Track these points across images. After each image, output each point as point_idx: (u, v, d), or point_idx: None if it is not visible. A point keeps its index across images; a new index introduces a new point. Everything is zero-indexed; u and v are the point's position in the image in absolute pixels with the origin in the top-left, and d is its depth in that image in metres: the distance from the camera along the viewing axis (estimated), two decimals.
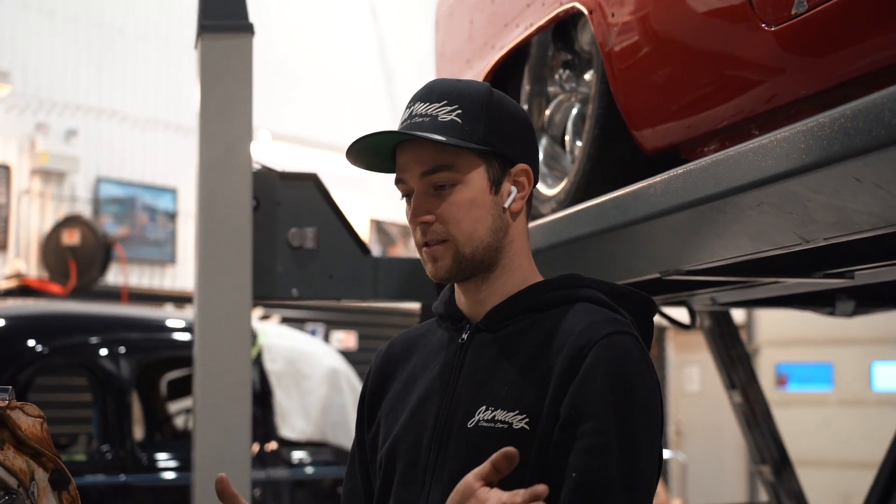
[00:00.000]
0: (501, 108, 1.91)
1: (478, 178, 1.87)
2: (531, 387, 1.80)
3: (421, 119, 1.86)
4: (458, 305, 1.98)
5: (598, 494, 1.71)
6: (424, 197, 1.87)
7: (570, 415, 1.75)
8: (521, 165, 1.92)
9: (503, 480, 1.69)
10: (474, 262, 1.88)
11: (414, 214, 1.87)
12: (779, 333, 11.80)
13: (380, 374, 2.07)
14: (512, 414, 1.80)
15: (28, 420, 1.97)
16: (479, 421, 1.82)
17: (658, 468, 1.81)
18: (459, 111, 1.86)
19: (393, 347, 2.09)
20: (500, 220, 1.89)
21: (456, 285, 1.98)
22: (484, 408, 1.83)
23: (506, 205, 1.90)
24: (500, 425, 1.80)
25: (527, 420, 1.78)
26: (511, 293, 1.92)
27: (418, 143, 1.86)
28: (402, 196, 1.93)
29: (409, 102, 1.92)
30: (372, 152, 1.93)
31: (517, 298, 1.92)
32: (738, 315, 10.70)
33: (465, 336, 1.93)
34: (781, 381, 11.88)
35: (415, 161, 1.87)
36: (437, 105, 1.87)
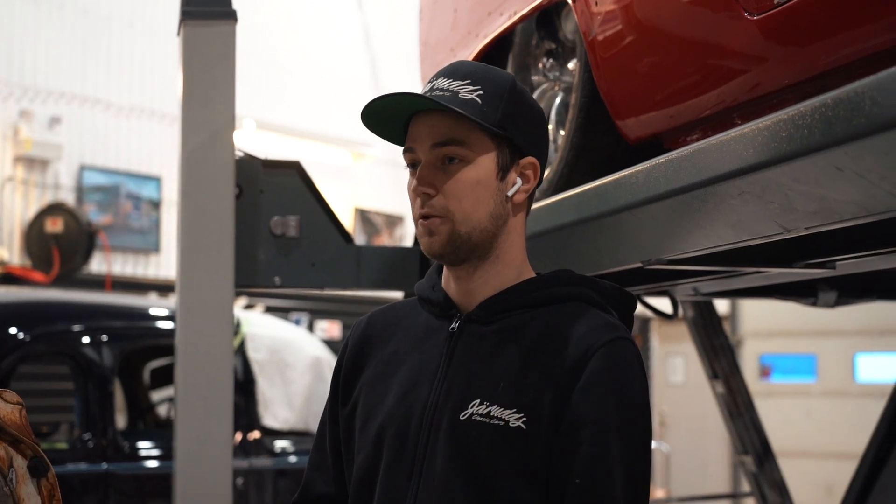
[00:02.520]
0: (521, 99, 1.91)
1: (487, 160, 1.86)
2: (529, 386, 1.80)
3: (441, 93, 1.85)
4: (446, 291, 1.96)
5: (602, 500, 1.73)
6: (431, 169, 1.86)
7: (573, 420, 1.76)
8: (530, 158, 1.92)
9: (498, 479, 1.72)
10: (469, 244, 1.86)
11: (418, 184, 1.86)
12: (762, 325, 11.82)
13: (357, 349, 2.04)
14: (509, 411, 1.79)
15: (7, 407, 1.96)
16: (472, 414, 1.81)
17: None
18: (481, 92, 1.85)
19: (372, 324, 2.06)
20: (501, 207, 1.89)
21: (445, 270, 1.97)
22: (478, 401, 1.82)
23: (509, 193, 1.89)
24: (496, 421, 1.79)
25: (524, 419, 1.78)
26: (505, 286, 1.92)
27: (434, 115, 1.85)
28: (408, 165, 1.91)
29: (432, 78, 1.91)
30: (386, 117, 1.91)
31: (512, 292, 1.91)
32: (721, 306, 10.72)
33: (455, 325, 1.92)
34: (765, 372, 11.90)
35: (428, 131, 1.86)
36: (461, 83, 1.86)
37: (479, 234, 1.86)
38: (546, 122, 1.99)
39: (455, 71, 1.89)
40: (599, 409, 1.76)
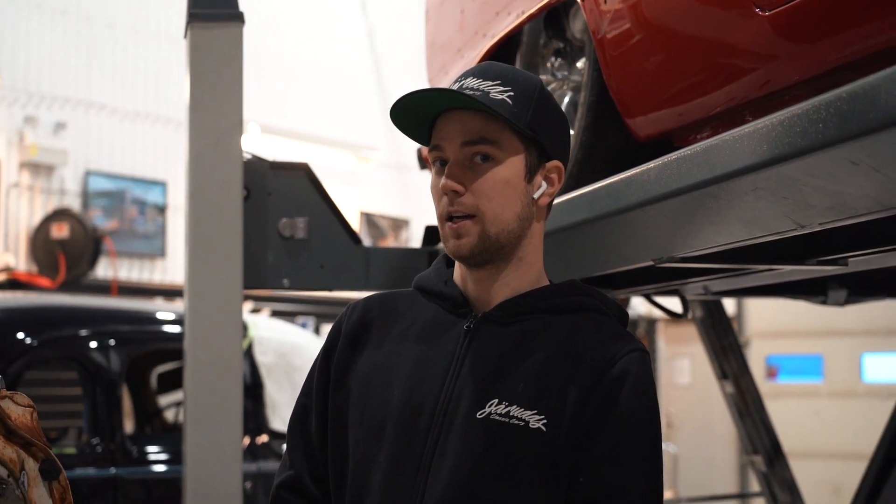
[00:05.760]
0: (549, 103, 1.92)
1: (516, 161, 1.86)
2: (551, 389, 1.81)
3: (472, 91, 1.84)
4: (460, 288, 1.95)
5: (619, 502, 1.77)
6: (460, 167, 1.85)
7: (594, 426, 1.78)
8: (556, 162, 1.92)
9: (515, 479, 1.74)
10: (497, 245, 1.86)
11: (446, 182, 1.84)
12: (769, 325, 11.81)
13: (354, 333, 2.01)
14: (530, 413, 1.79)
15: (18, 410, 1.96)
16: (490, 413, 1.81)
17: None
18: (511, 93, 1.85)
19: (370, 310, 2.04)
20: (527, 209, 1.89)
21: (458, 266, 1.96)
22: (496, 401, 1.82)
23: (535, 195, 1.89)
24: (516, 422, 1.79)
25: (544, 421, 1.79)
26: (523, 289, 1.92)
27: (465, 113, 1.84)
28: (433, 162, 1.90)
29: (460, 77, 1.90)
30: (413, 114, 1.90)
31: (533, 296, 1.91)
32: (728, 307, 10.71)
33: (470, 323, 1.91)
34: (772, 373, 11.89)
35: (459, 129, 1.85)
36: (491, 83, 1.85)
37: (506, 235, 1.86)
38: (569, 127, 1.98)
39: (484, 71, 1.89)
40: (619, 415, 1.78)
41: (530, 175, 1.88)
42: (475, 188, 1.83)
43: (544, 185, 1.90)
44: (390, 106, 1.88)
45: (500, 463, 1.78)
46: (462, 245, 1.85)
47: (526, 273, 1.92)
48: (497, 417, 1.80)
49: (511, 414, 1.80)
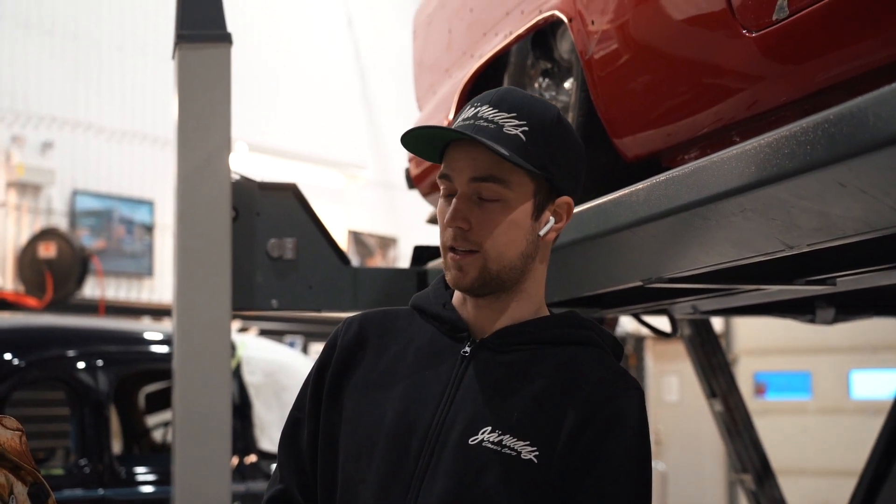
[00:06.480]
0: (565, 138, 1.90)
1: (524, 199, 1.85)
2: (544, 421, 1.81)
3: (486, 124, 1.83)
4: (458, 312, 1.95)
5: None
6: (467, 202, 1.84)
7: (586, 460, 1.78)
8: (566, 199, 1.91)
9: None
10: (498, 280, 1.86)
11: (452, 217, 1.84)
12: (757, 342, 11.84)
13: (350, 349, 2.01)
14: (522, 443, 1.79)
15: (7, 434, 1.95)
16: (483, 440, 1.80)
17: None
18: (526, 128, 1.83)
19: (366, 327, 2.03)
20: (531, 246, 1.88)
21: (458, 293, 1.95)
22: (489, 429, 1.81)
23: (541, 232, 1.89)
24: (507, 451, 1.79)
25: (536, 453, 1.78)
26: (522, 318, 1.92)
27: (477, 147, 1.82)
28: (441, 190, 1.89)
29: (477, 102, 1.89)
30: (424, 139, 1.89)
31: (531, 326, 1.91)
32: (716, 324, 10.72)
33: (468, 348, 1.91)
34: (760, 389, 11.91)
35: (468, 164, 1.83)
36: (506, 115, 1.84)
37: (508, 271, 1.86)
38: (585, 158, 1.97)
39: (501, 101, 1.87)
40: (612, 453, 1.78)
41: (538, 213, 1.87)
42: (480, 226, 1.83)
43: (552, 220, 1.89)
44: (401, 134, 1.87)
45: (490, 490, 1.77)
46: (461, 277, 1.85)
47: (526, 303, 1.92)
48: (489, 445, 1.80)
49: (504, 443, 1.79)
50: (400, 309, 2.07)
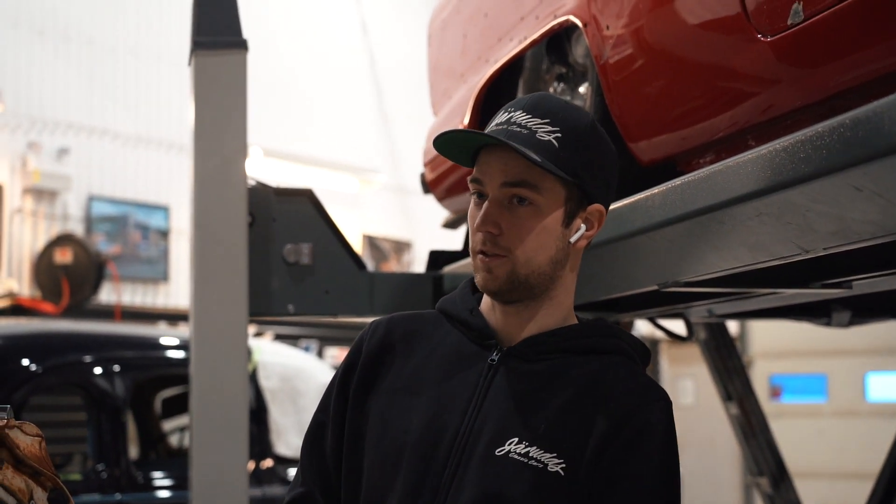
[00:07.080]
0: (598, 145, 1.89)
1: (555, 205, 1.83)
2: (571, 433, 1.79)
3: (519, 129, 1.82)
4: (486, 318, 1.94)
5: None
6: (498, 207, 1.83)
7: (613, 473, 1.77)
8: (598, 206, 1.89)
9: None
10: (527, 286, 1.85)
11: (483, 221, 1.83)
12: (772, 345, 11.81)
13: (377, 353, 1.99)
14: (549, 455, 1.78)
15: (26, 439, 1.96)
16: (509, 451, 1.79)
17: None
18: (559, 135, 1.82)
19: (393, 331, 2.01)
20: (562, 253, 1.87)
21: (486, 297, 1.95)
22: (516, 440, 1.80)
23: (572, 239, 1.87)
24: (534, 463, 1.78)
25: (563, 465, 1.77)
26: (550, 327, 1.90)
27: (508, 152, 1.81)
28: (472, 193, 1.88)
29: (510, 107, 1.88)
30: (456, 143, 1.88)
31: (559, 335, 1.90)
32: (731, 327, 10.71)
33: (495, 357, 1.89)
34: (775, 392, 11.89)
35: (500, 168, 1.82)
36: (539, 121, 1.83)
37: (536, 277, 1.85)
38: (617, 164, 1.96)
39: (535, 107, 1.86)
40: (640, 466, 1.77)
41: (569, 220, 1.86)
42: (511, 231, 1.82)
43: (583, 227, 1.88)
44: (434, 138, 1.86)
45: (517, 502, 1.76)
46: (490, 279, 1.84)
47: (555, 311, 1.91)
48: (516, 456, 1.78)
49: (530, 455, 1.78)
50: (426, 312, 2.06)
